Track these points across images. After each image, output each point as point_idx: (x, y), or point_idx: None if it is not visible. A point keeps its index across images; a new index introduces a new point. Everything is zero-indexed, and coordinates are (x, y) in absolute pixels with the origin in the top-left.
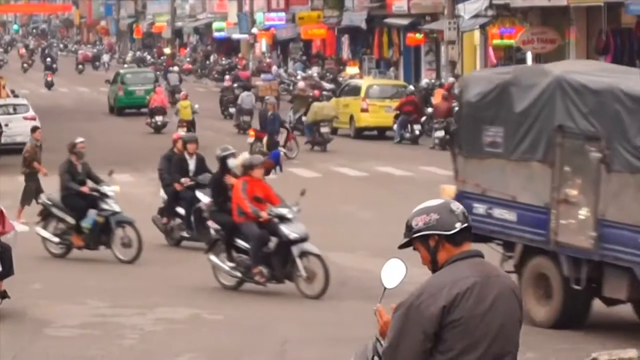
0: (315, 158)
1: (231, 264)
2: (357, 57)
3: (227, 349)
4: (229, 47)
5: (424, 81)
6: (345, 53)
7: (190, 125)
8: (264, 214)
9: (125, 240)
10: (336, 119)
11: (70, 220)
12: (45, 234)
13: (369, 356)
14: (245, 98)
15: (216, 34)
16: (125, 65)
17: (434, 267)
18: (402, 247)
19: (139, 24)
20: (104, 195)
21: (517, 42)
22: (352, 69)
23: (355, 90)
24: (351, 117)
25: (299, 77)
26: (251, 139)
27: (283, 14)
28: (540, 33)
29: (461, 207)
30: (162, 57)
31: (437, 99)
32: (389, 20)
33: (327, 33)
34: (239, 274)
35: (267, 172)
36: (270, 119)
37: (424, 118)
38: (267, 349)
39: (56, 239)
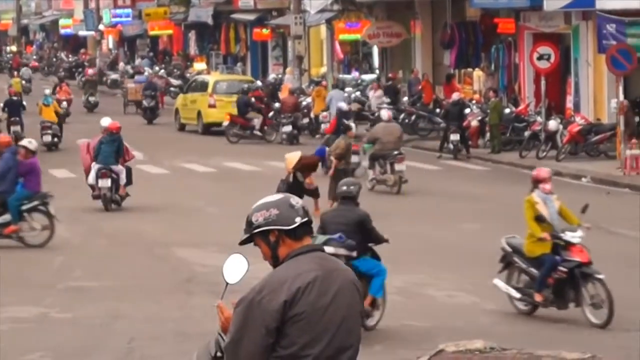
0: (162, 154)
1: None
2: (205, 53)
3: (75, 348)
4: (75, 44)
5: (271, 76)
6: (193, 49)
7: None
8: None
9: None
10: None
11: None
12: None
13: (211, 352)
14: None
15: (62, 31)
16: None
17: (275, 262)
18: (242, 243)
19: None
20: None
21: (363, 36)
22: (199, 65)
23: (202, 86)
24: (199, 113)
25: (146, 73)
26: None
27: (129, 11)
28: (386, 27)
29: (301, 201)
30: (8, 55)
31: (284, 93)
32: (235, 16)
33: (174, 29)
34: None
35: (314, 169)
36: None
37: (271, 113)
38: (114, 346)
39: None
